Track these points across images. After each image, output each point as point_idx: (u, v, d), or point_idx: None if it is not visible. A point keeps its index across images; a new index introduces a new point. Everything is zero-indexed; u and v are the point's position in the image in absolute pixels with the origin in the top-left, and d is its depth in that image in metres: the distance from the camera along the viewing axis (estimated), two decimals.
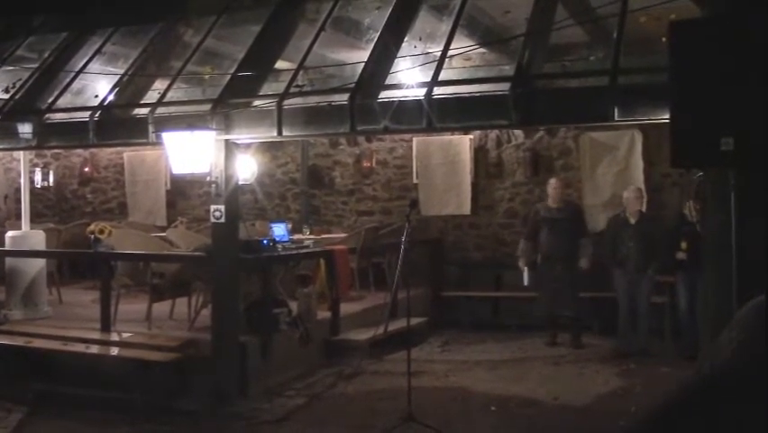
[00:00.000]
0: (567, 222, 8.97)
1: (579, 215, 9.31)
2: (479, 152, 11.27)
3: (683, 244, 8.14)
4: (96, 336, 7.86)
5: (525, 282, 9.18)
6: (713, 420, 1.39)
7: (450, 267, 11.23)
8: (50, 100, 8.50)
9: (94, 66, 8.74)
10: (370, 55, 7.01)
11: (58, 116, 8.37)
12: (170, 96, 7.89)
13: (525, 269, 9.13)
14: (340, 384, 7.62)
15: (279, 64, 8.22)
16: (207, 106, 7.30)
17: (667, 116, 4.41)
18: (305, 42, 7.68)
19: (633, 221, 8.60)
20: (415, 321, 8.08)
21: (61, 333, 7.91)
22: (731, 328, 1.48)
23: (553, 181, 9.36)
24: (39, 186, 13.59)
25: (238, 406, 6.93)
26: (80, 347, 7.55)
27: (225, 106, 7.19)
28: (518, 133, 10.98)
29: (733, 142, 3.96)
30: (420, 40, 7.28)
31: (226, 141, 7.18)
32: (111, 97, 8.14)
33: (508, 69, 6.85)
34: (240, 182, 8.07)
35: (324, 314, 8.63)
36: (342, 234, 10.87)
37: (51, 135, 8.32)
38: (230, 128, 7.13)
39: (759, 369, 1.37)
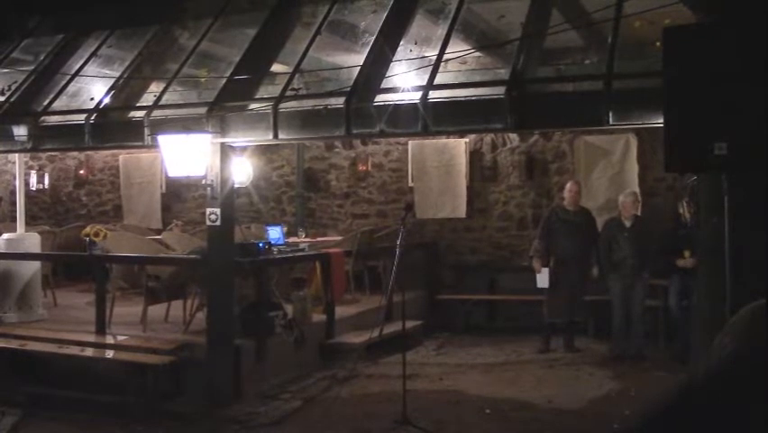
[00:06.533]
0: (583, 226, 8.91)
1: (593, 220, 9.15)
2: (474, 155, 11.29)
3: (686, 253, 8.09)
4: (91, 338, 7.85)
5: (542, 284, 8.86)
6: (706, 425, 1.40)
7: (445, 270, 11.25)
8: (45, 103, 8.50)
9: (89, 68, 8.73)
10: (366, 59, 7.02)
11: (53, 119, 8.36)
12: (166, 98, 7.88)
13: (544, 270, 8.81)
14: (335, 387, 7.62)
15: (275, 67, 8.22)
16: (203, 109, 7.30)
17: (661, 121, 4.43)
18: (301, 46, 7.69)
19: (628, 225, 8.59)
20: (410, 324, 8.08)
21: (56, 336, 7.90)
22: (725, 333, 1.49)
23: (570, 185, 9.19)
24: (34, 188, 13.59)
25: (232, 409, 6.92)
26: (75, 350, 7.54)
27: (221, 109, 7.19)
28: (513, 136, 10.99)
29: (726, 147, 3.98)
30: (416, 43, 7.29)
31: (222, 144, 7.19)
32: (107, 100, 8.14)
33: (503, 73, 6.87)
34: (235, 185, 8.06)
35: (319, 317, 8.64)
36: (338, 238, 10.88)
37: (47, 138, 8.30)
38: (226, 131, 7.14)
39: (753, 374, 1.38)
